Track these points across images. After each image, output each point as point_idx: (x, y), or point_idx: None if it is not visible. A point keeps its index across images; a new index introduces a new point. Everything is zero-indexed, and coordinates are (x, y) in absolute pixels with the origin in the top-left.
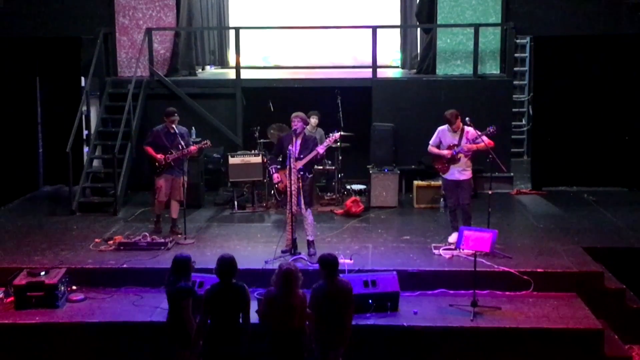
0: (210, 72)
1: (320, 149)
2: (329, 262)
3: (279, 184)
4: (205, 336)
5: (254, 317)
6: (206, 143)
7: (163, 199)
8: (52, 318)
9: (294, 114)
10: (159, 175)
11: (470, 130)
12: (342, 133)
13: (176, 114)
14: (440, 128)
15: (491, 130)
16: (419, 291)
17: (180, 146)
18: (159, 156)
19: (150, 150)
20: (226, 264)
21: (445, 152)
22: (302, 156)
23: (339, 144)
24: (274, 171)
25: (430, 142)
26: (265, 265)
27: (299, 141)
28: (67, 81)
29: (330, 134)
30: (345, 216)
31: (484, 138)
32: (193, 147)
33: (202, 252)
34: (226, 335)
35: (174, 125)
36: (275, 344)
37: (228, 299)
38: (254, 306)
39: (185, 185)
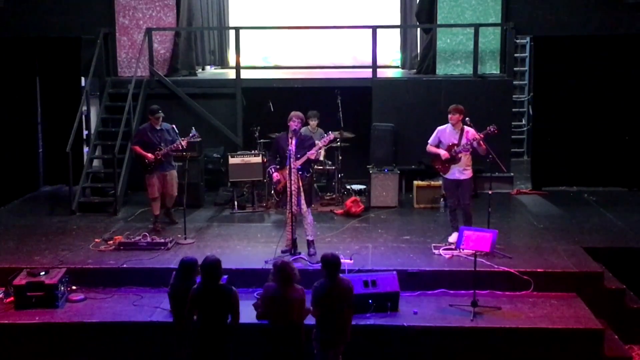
0: (210, 72)
1: (311, 155)
2: (330, 262)
3: (278, 185)
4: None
5: (249, 316)
6: (194, 136)
7: (156, 195)
8: (52, 318)
9: (293, 114)
10: (150, 172)
11: (470, 130)
12: (334, 136)
13: (160, 111)
14: (439, 128)
15: (492, 129)
16: (419, 291)
17: (167, 141)
18: (149, 155)
19: (138, 149)
20: (208, 266)
21: (442, 151)
22: (299, 155)
23: (339, 143)
24: (272, 171)
25: (429, 141)
26: (265, 265)
27: (295, 141)
28: (67, 81)
29: (325, 135)
30: (345, 216)
31: (482, 143)
32: (183, 141)
33: (202, 252)
34: (213, 335)
35: (158, 123)
36: (273, 338)
37: (215, 300)
38: (252, 305)
39: (177, 179)
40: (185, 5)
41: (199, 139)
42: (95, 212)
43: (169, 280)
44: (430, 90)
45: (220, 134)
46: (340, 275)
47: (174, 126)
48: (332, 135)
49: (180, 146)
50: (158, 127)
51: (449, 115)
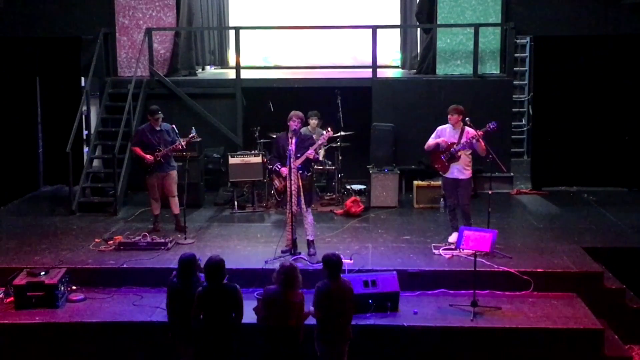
0: (210, 72)
1: (310, 154)
2: (333, 262)
3: (279, 185)
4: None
5: (250, 316)
6: (194, 136)
7: (157, 197)
8: (52, 318)
9: (292, 113)
10: (150, 174)
11: (470, 130)
12: (332, 132)
13: (160, 112)
14: (439, 128)
15: (491, 126)
16: (419, 291)
17: (167, 142)
18: (148, 156)
19: (138, 150)
20: (213, 267)
21: (440, 140)
22: (299, 155)
23: (339, 143)
24: (279, 167)
25: (429, 141)
26: (265, 265)
27: (295, 140)
28: (67, 81)
29: (323, 132)
30: (345, 216)
31: (481, 142)
32: (183, 141)
33: (202, 252)
34: (218, 333)
35: (157, 123)
36: (271, 340)
37: (219, 299)
38: (252, 305)
39: (176, 180)
40: (185, 5)
41: (198, 139)
42: (95, 212)
43: (169, 283)
44: (430, 90)
45: (220, 134)
46: (341, 275)
47: (173, 126)
48: (330, 132)
49: (180, 146)
50: (157, 128)
51: (449, 116)
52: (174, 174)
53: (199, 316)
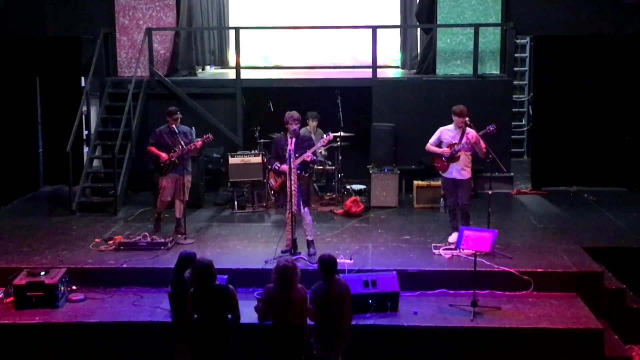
0: (210, 72)
1: (307, 156)
2: (327, 264)
3: (275, 184)
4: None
5: (250, 316)
6: (208, 137)
7: (167, 199)
8: (52, 318)
9: (288, 116)
10: (164, 174)
11: (471, 131)
12: (333, 135)
13: (178, 113)
14: (442, 128)
15: (491, 129)
16: (419, 291)
17: (183, 144)
18: (163, 155)
19: (154, 150)
20: (199, 270)
21: (443, 149)
22: (297, 155)
23: (339, 143)
24: (279, 166)
25: (430, 140)
26: (265, 265)
27: (294, 140)
28: (67, 81)
29: (324, 135)
30: (345, 216)
31: (481, 143)
32: (197, 142)
33: (202, 252)
34: (212, 334)
35: (175, 124)
36: (276, 339)
37: (210, 301)
38: (252, 305)
39: (189, 185)
40: (185, 5)
41: (212, 140)
42: (95, 212)
43: (169, 280)
44: (430, 90)
45: (220, 134)
46: (337, 276)
47: (189, 128)
48: (331, 135)
49: (194, 148)
50: (174, 129)
51: (454, 117)
52: (188, 178)
53: (193, 316)
